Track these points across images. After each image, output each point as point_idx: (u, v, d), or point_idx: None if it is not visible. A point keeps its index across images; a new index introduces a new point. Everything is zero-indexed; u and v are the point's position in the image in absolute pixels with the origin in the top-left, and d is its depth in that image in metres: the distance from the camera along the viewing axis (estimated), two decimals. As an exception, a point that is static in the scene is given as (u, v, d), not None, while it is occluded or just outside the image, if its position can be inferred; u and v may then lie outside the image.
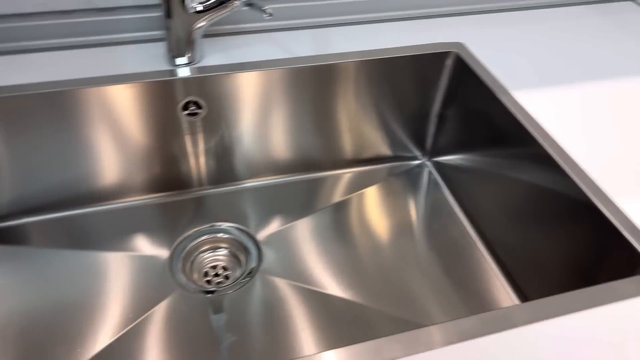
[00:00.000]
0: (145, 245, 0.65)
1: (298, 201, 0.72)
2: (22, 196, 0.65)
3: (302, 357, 0.35)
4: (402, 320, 0.59)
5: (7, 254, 0.63)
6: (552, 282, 0.57)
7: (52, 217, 0.67)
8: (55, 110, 0.59)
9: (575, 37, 0.74)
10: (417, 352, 0.36)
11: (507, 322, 0.39)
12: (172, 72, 0.61)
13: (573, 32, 0.75)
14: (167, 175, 0.70)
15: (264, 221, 0.69)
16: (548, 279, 0.57)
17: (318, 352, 0.36)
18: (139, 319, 0.57)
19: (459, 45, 0.69)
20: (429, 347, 0.37)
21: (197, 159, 0.70)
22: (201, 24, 0.59)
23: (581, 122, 0.59)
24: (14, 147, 0.60)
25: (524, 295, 0.61)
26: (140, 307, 0.58)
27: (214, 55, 0.65)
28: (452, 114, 0.72)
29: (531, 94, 0.62)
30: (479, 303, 0.61)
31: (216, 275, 0.64)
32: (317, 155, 0.74)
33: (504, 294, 0.62)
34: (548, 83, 0.64)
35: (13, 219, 0.66)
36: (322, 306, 0.60)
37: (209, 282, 0.63)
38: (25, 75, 0.59)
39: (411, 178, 0.77)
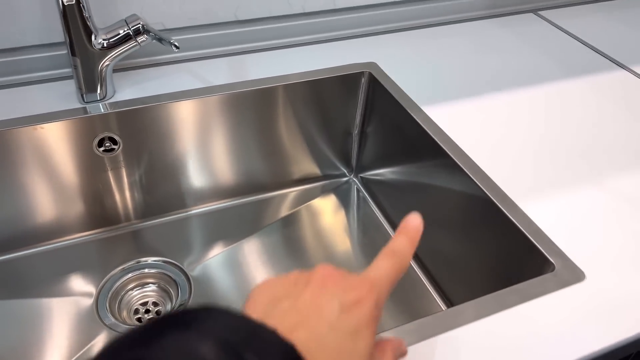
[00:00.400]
0: (72, 288, 0.63)
1: (230, 227, 0.72)
2: None
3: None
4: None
5: None
6: (475, 286, 0.59)
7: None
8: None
9: (479, 50, 0.78)
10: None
11: (425, 330, 0.40)
12: (84, 110, 0.60)
13: (477, 45, 0.80)
14: (95, 212, 0.68)
15: (193, 251, 0.68)
16: (472, 285, 0.60)
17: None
18: (65, 367, 0.55)
19: (372, 64, 0.72)
20: None
21: (123, 193, 0.69)
22: (109, 60, 0.58)
23: (487, 132, 0.62)
24: None
25: (450, 302, 0.63)
26: (70, 352, 0.56)
27: (127, 89, 0.64)
28: (372, 130, 0.74)
29: (439, 107, 0.65)
30: (411, 312, 0.63)
31: (147, 311, 0.63)
32: (246, 179, 0.75)
33: (434, 302, 0.64)
34: (455, 96, 0.68)
35: None
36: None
37: (139, 320, 0.62)
38: None
39: (341, 195, 0.79)
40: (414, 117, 0.63)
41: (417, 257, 0.68)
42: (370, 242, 0.71)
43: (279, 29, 0.74)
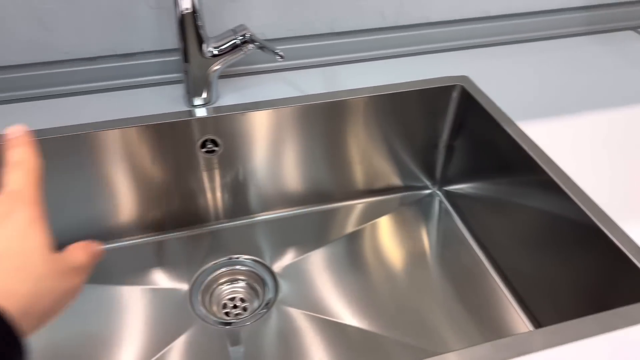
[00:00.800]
0: (165, 279, 0.67)
1: (312, 232, 0.74)
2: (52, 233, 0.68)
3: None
4: (418, 348, 0.60)
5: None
6: (565, 308, 0.58)
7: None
8: (76, 151, 0.62)
9: (577, 67, 0.76)
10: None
11: (521, 348, 0.40)
12: (191, 113, 0.64)
13: (575, 61, 0.78)
14: (185, 210, 0.73)
15: (279, 253, 0.71)
16: (561, 305, 0.58)
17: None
18: (161, 352, 0.59)
19: (464, 78, 0.72)
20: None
21: (214, 194, 0.72)
22: (217, 66, 0.62)
23: (584, 149, 0.60)
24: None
25: (537, 321, 0.61)
26: (161, 339, 0.60)
27: (229, 95, 0.68)
28: (460, 144, 0.74)
29: (535, 123, 0.64)
30: (494, 330, 0.62)
31: (234, 307, 0.66)
32: (329, 187, 0.77)
33: (518, 320, 0.62)
34: (551, 113, 0.66)
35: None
36: (338, 336, 0.61)
37: (227, 314, 0.65)
38: (54, 118, 0.63)
39: (422, 207, 0.79)
40: (509, 131, 0.62)
41: (503, 275, 0.67)
42: (453, 255, 0.71)
43: (372, 41, 0.76)
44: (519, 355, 0.40)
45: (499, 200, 0.68)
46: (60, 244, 0.69)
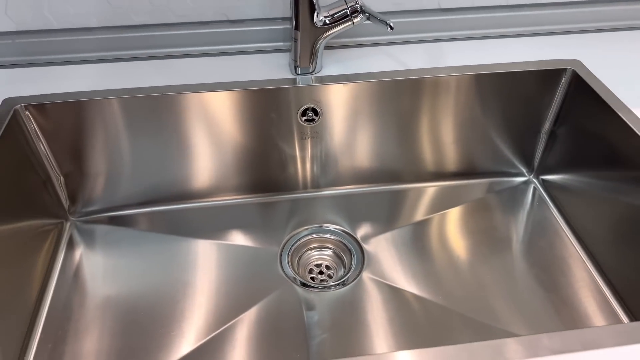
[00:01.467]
0: (256, 239, 0.69)
1: (401, 209, 0.74)
2: (141, 190, 0.72)
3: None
4: (506, 332, 0.58)
5: (135, 237, 0.70)
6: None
7: (168, 208, 0.73)
8: (178, 112, 0.65)
9: None
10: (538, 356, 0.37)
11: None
12: (295, 80, 0.66)
13: (702, 52, 0.72)
14: (276, 176, 0.75)
15: (364, 226, 0.71)
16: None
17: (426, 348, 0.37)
18: (250, 309, 0.61)
19: (576, 62, 0.69)
20: (553, 352, 0.37)
21: (304, 163, 0.74)
22: (326, 35, 0.63)
23: None
24: (135, 144, 0.67)
25: (635, 318, 0.58)
26: (249, 295, 0.63)
27: (332, 65, 0.69)
28: (564, 131, 0.71)
29: (655, 113, 0.60)
30: (585, 325, 0.59)
31: (320, 272, 0.67)
32: (422, 166, 0.76)
33: (616, 319, 0.60)
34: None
35: (132, 208, 0.73)
36: (420, 312, 0.61)
37: (313, 279, 0.67)
38: (166, 78, 0.66)
39: (515, 195, 0.77)
40: (625, 120, 0.59)
41: (600, 269, 0.64)
42: (546, 245, 0.69)
43: (479, 19, 0.74)
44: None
45: (603, 193, 0.64)
46: (154, 199, 0.74)
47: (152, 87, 0.64)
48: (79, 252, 0.67)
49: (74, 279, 0.64)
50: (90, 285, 0.64)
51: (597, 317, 0.60)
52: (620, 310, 0.60)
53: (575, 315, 0.60)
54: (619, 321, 0.59)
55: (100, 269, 0.66)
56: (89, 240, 0.69)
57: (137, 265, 0.66)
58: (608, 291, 0.62)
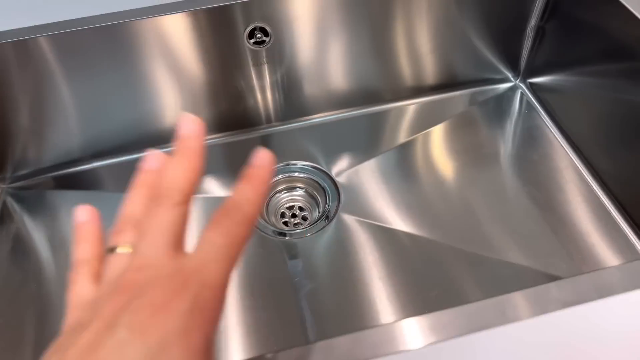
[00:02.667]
0: (216, 187, 0.62)
1: (371, 136, 0.66)
2: (90, 140, 0.63)
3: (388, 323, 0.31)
4: (502, 262, 0.53)
5: (85, 198, 0.62)
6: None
7: (122, 159, 0.65)
8: (113, 45, 0.55)
9: None
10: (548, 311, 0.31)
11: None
12: (235, -5, 0.55)
13: None
14: (234, 112, 0.66)
15: (338, 159, 0.63)
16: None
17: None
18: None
19: (566, -60, 0.58)
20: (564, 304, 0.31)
21: (264, 93, 0.65)
22: None
23: None
24: (77, 88, 0.57)
25: (644, 233, 0.53)
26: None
27: (278, -27, 0.57)
28: (554, 26, 0.62)
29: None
30: (587, 245, 0.54)
31: (293, 215, 0.61)
32: (392, 83, 0.67)
33: (621, 236, 0.54)
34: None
35: (84, 163, 0.65)
36: (407, 249, 0.55)
37: (285, 223, 0.60)
38: (81, 8, 0.55)
39: (501, 104, 0.69)
40: (627, 5, 0.50)
41: (601, 180, 0.58)
42: (540, 159, 0.62)
43: None
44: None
45: (601, 93, 0.57)
46: (104, 149, 0.65)
47: (81, 18, 0.53)
48: (16, 224, 0.59)
49: (13, 255, 0.56)
50: (34, 260, 0.56)
51: (600, 235, 0.54)
52: (625, 224, 0.55)
53: (575, 235, 0.54)
54: (625, 237, 0.54)
55: (45, 242, 0.58)
56: (27, 208, 0.61)
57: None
58: (609, 203, 0.56)
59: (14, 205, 0.61)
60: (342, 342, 0.29)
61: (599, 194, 0.57)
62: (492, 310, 0.31)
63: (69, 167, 0.64)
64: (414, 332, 0.30)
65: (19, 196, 0.62)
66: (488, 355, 0.29)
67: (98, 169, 0.64)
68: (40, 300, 0.53)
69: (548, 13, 0.62)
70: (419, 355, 0.29)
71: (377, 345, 0.29)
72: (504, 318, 0.31)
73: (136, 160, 0.63)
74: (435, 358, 0.29)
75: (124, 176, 0.62)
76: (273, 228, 0.58)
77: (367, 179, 0.61)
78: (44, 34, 0.52)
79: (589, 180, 0.59)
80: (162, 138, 0.65)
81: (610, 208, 0.56)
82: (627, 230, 0.54)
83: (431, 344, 0.30)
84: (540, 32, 0.64)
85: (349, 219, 0.57)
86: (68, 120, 0.60)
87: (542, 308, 0.31)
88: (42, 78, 0.55)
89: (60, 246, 0.57)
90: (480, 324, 0.30)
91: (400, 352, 0.29)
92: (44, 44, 0.53)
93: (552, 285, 0.31)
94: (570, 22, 0.59)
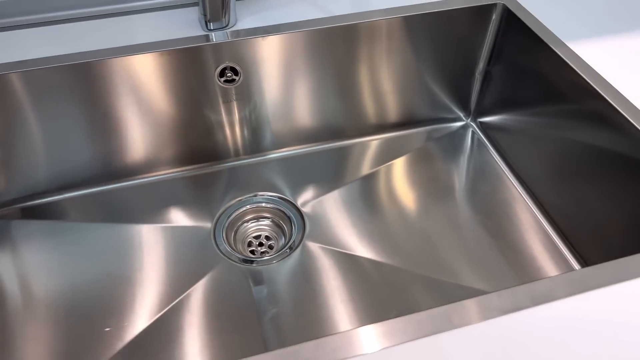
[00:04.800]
0: (186, 217, 0.64)
1: (336, 169, 0.70)
2: (59, 173, 0.64)
3: (344, 331, 0.34)
4: (458, 286, 0.57)
5: (51, 229, 0.63)
6: (614, 246, 0.54)
7: (89, 192, 0.67)
8: (85, 82, 0.57)
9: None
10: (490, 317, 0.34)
11: (578, 286, 0.37)
12: (208, 37, 0.59)
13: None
14: (203, 145, 0.69)
15: (304, 191, 0.67)
16: (609, 244, 0.54)
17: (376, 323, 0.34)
18: (187, 291, 0.56)
19: (506, -5, 0.65)
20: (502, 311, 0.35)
21: (233, 128, 0.68)
22: (236, -16, 0.56)
23: (645, 72, 0.55)
24: (46, 123, 0.59)
25: (584, 261, 0.58)
26: (186, 277, 0.58)
27: (247, 18, 0.62)
28: (499, 70, 0.68)
29: (587, 45, 0.58)
30: (532, 268, 0.58)
31: (260, 245, 0.63)
32: (355, 121, 0.72)
33: (562, 260, 0.59)
34: (604, 32, 0.60)
35: (51, 195, 0.66)
36: (369, 275, 0.58)
37: (252, 252, 0.62)
38: (53, 47, 0.58)
39: (454, 141, 0.74)
40: (559, 53, 0.56)
41: (545, 211, 0.63)
42: (489, 190, 0.67)
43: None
44: (568, 295, 0.36)
45: (542, 132, 0.63)
46: (73, 182, 0.66)
47: (53, 56, 0.56)
48: (-17, 254, 0.60)
49: (-20, 285, 0.57)
50: (5, 288, 0.56)
51: (544, 259, 0.59)
52: (566, 250, 0.59)
53: (522, 259, 0.59)
54: (565, 261, 0.58)
55: (12, 270, 0.58)
56: (-5, 238, 0.61)
57: (56, 259, 0.59)
58: (552, 232, 0.61)
59: (-19, 235, 0.62)
60: (305, 348, 0.32)
61: (543, 222, 0.62)
62: (439, 318, 0.34)
63: (35, 199, 0.65)
64: (370, 338, 0.33)
65: (-13, 226, 0.62)
66: (441, 356, 0.32)
67: (63, 200, 0.66)
68: (1, 328, 0.53)
69: (493, 59, 0.68)
70: (374, 358, 0.32)
71: (336, 350, 0.32)
72: (451, 324, 0.34)
73: (102, 193, 0.66)
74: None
75: (89, 208, 0.64)
76: (240, 256, 0.60)
77: (331, 208, 0.65)
78: (14, 71, 0.54)
79: (534, 210, 0.64)
80: (129, 171, 0.67)
81: (552, 235, 0.61)
82: (568, 255, 0.59)
83: (385, 348, 0.32)
84: (487, 75, 0.70)
85: (314, 247, 0.60)
86: (36, 153, 0.62)
87: (484, 315, 0.34)
88: (12, 112, 0.57)
89: (25, 274, 0.58)
90: (429, 330, 0.33)
91: (358, 356, 0.32)
92: (15, 80, 0.55)
93: (493, 295, 0.35)
94: (513, 67, 0.66)
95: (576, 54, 0.56)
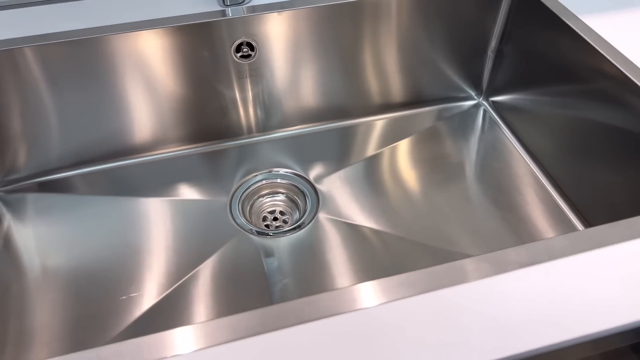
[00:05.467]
0: (203, 191, 0.65)
1: (352, 146, 0.71)
2: (73, 149, 0.66)
3: (343, 287, 0.35)
4: (466, 255, 0.57)
5: (69, 202, 0.64)
6: (621, 215, 0.55)
7: (104, 167, 0.68)
8: (99, 58, 0.58)
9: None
10: (506, 271, 0.35)
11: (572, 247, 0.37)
12: (224, 12, 0.60)
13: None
14: (217, 122, 0.69)
15: (320, 167, 0.68)
16: (619, 212, 0.55)
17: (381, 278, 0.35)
18: (203, 263, 0.57)
19: (520, -28, 0.66)
20: (518, 265, 0.35)
21: (246, 105, 0.69)
22: (253, -42, 0.57)
23: (659, 45, 0.55)
24: (60, 99, 0.60)
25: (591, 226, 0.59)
26: (202, 248, 0.59)
27: (263, -6, 0.63)
28: (511, 49, 0.69)
29: (603, 19, 0.58)
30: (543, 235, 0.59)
31: (275, 219, 0.64)
32: (370, 98, 0.72)
33: (572, 228, 0.60)
34: (620, 6, 0.60)
35: (67, 170, 0.67)
36: (379, 246, 0.59)
37: (267, 226, 0.63)
38: (69, 22, 0.59)
39: (465, 119, 0.75)
40: (575, 28, 0.57)
41: (556, 185, 0.64)
42: (502, 167, 0.67)
43: None
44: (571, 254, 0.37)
45: (554, 109, 0.63)
46: (87, 158, 0.67)
47: (68, 31, 0.57)
48: (6, 225, 0.61)
49: (3, 254, 0.58)
50: (26, 258, 0.58)
51: (555, 231, 0.59)
52: (577, 221, 0.60)
53: (534, 231, 0.59)
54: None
55: (32, 241, 0.60)
56: (17, 211, 0.63)
57: (75, 231, 0.60)
58: (564, 205, 0.62)
59: (1, 208, 0.63)
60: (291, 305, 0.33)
61: (554, 195, 0.63)
62: (454, 272, 0.35)
63: (52, 174, 0.66)
64: (369, 293, 0.34)
65: (8, 199, 0.64)
66: (440, 313, 0.33)
67: (79, 175, 0.67)
68: (22, 296, 0.54)
69: (506, 37, 0.69)
70: (374, 312, 0.33)
71: (335, 306, 0.33)
72: (466, 278, 0.35)
73: (116, 169, 0.67)
74: (388, 316, 0.33)
75: (106, 183, 0.65)
76: (255, 228, 0.61)
77: (342, 185, 0.65)
78: (29, 45, 0.55)
79: (545, 184, 0.65)
80: (143, 147, 0.68)
81: (564, 207, 0.62)
82: (579, 227, 0.60)
83: (382, 304, 0.33)
84: (499, 54, 0.71)
85: (326, 222, 0.61)
86: (51, 129, 0.63)
87: (498, 269, 0.35)
88: (27, 87, 0.58)
89: (45, 245, 0.59)
90: (435, 285, 0.34)
91: (357, 310, 0.33)
92: (29, 54, 0.56)
93: (510, 250, 0.36)
94: (525, 46, 0.66)
95: (591, 28, 0.56)
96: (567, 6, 0.60)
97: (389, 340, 0.31)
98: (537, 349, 0.31)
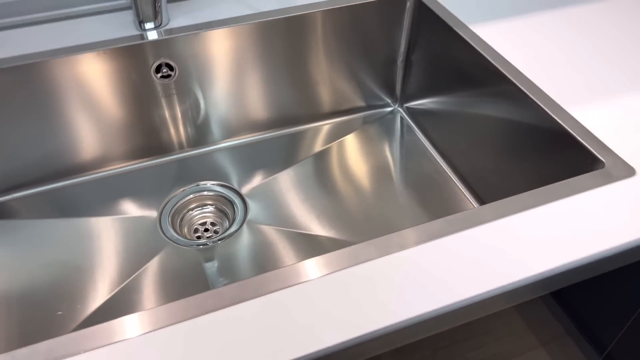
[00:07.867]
0: (133, 208, 0.67)
1: (279, 155, 0.75)
2: (7, 173, 0.67)
3: (289, 265, 0.39)
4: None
5: (2, 228, 0.65)
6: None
7: (38, 190, 0.69)
8: (29, 84, 0.60)
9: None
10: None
11: (473, 220, 0.42)
12: (142, 36, 0.63)
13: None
14: (149, 140, 0.72)
15: (247, 177, 0.71)
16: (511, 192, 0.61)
17: (303, 260, 0.39)
18: (135, 274, 0.60)
19: (418, -13, 0.72)
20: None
21: (175, 121, 0.72)
22: (164, -15, 0.61)
23: (539, 49, 0.62)
24: (-6, 123, 0.62)
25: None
26: (134, 262, 0.61)
27: (179, 18, 0.67)
28: (418, 58, 0.75)
29: (489, 27, 0.65)
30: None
31: (206, 230, 0.67)
32: (293, 109, 0.77)
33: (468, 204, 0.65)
34: (504, 15, 0.67)
35: (2, 196, 0.68)
36: (308, 246, 0.63)
37: (199, 237, 0.66)
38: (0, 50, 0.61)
39: (385, 125, 0.80)
40: (463, 36, 0.63)
41: (463, 178, 0.70)
42: (416, 166, 0.73)
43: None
44: (470, 227, 0.42)
45: (458, 112, 0.69)
46: (22, 182, 0.69)
47: None
48: None
49: None
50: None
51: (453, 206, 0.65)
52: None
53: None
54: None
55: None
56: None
57: (9, 255, 0.61)
58: (469, 195, 0.68)
59: None
60: (255, 280, 0.37)
61: (462, 189, 0.69)
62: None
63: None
64: (312, 268, 0.38)
65: None
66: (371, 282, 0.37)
67: (14, 200, 0.68)
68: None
69: (412, 48, 0.75)
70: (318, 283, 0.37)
71: (285, 280, 0.37)
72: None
73: (53, 191, 0.68)
74: (328, 286, 0.37)
75: (41, 206, 0.66)
76: (186, 240, 0.64)
77: (272, 190, 0.69)
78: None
79: (453, 179, 0.70)
80: (79, 168, 0.70)
81: (470, 198, 0.67)
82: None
83: (324, 275, 0.38)
84: (408, 64, 0.77)
85: (258, 226, 0.65)
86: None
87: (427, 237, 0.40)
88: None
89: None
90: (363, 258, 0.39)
91: (302, 282, 0.37)
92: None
93: (436, 222, 0.41)
94: (428, 55, 0.72)
95: (478, 36, 0.63)
96: (458, 16, 0.66)
97: (300, 313, 0.35)
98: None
